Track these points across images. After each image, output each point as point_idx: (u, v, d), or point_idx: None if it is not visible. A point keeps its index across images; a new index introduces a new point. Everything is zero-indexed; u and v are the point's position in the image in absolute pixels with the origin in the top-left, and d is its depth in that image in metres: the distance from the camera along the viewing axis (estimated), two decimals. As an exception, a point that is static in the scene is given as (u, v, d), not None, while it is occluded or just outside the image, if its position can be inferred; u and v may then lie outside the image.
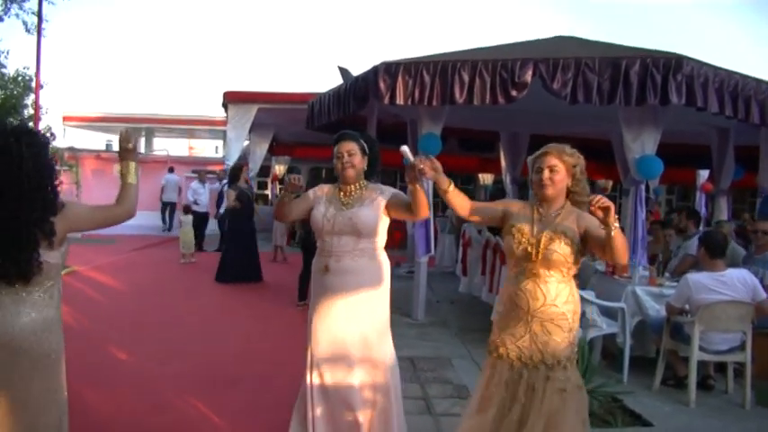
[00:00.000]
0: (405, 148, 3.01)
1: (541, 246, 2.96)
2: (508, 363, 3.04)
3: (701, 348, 4.94)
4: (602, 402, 4.53)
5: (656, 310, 5.61)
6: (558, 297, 2.97)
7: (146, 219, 18.74)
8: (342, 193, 3.46)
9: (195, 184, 14.27)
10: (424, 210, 3.28)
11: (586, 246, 3.00)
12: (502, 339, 3.08)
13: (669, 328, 5.18)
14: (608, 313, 5.71)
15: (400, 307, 7.89)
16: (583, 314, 5.41)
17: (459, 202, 3.17)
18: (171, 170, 18.72)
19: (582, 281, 6.48)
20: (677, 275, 5.97)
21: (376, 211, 3.38)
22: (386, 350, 3.43)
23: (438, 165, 3.00)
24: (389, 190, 3.48)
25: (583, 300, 5.43)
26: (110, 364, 5.29)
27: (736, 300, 4.89)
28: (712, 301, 4.87)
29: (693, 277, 5.08)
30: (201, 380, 5.02)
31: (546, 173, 3.04)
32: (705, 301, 4.90)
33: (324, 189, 3.55)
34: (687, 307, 5.12)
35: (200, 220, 13.40)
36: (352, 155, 3.43)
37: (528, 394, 2.98)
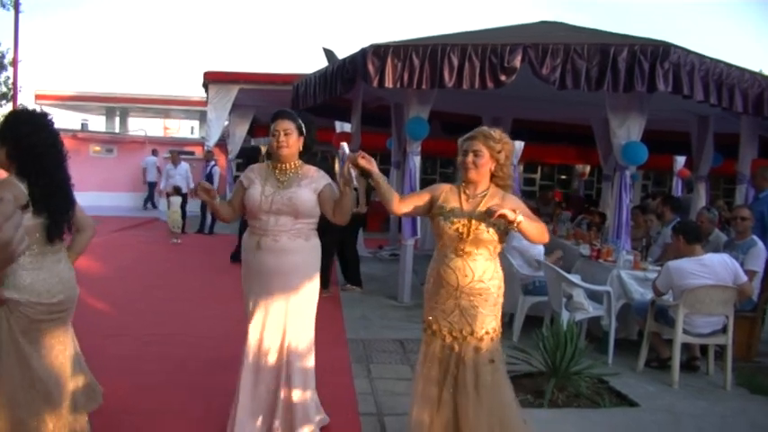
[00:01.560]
0: (344, 145, 3.16)
1: (472, 227, 3.07)
2: (441, 338, 3.17)
3: (685, 331, 5.06)
4: (589, 384, 4.64)
5: (639, 293, 5.72)
6: (484, 273, 3.11)
7: (121, 200, 18.64)
8: (277, 171, 3.49)
9: (168, 166, 14.17)
10: (344, 216, 3.43)
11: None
12: (434, 317, 3.20)
13: (653, 312, 5.30)
14: (592, 296, 5.81)
15: (386, 290, 7.97)
16: (570, 297, 5.55)
17: (389, 196, 3.30)
18: (154, 153, 18.69)
19: (568, 265, 6.59)
20: (661, 262, 6.09)
21: (314, 193, 3.45)
22: (310, 327, 3.57)
23: (372, 160, 3.14)
24: (326, 177, 3.54)
25: (570, 283, 5.57)
26: (96, 347, 5.23)
27: (719, 284, 5.02)
28: (696, 286, 4.99)
29: (674, 264, 5.18)
30: (191, 361, 5.01)
31: (470, 156, 3.15)
32: (688, 285, 5.01)
33: (255, 169, 3.57)
34: (670, 293, 5.24)
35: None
36: (288, 134, 3.45)
37: (460, 366, 3.12)
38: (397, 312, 6.99)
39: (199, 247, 11.59)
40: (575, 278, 5.74)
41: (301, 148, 3.54)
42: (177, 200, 12.31)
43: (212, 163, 13.48)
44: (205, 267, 9.49)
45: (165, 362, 4.99)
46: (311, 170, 3.54)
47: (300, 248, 3.45)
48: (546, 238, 3.17)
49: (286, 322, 3.45)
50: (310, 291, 3.53)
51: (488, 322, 3.13)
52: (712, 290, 5.00)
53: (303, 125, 3.53)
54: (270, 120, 3.54)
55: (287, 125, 3.45)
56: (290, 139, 3.44)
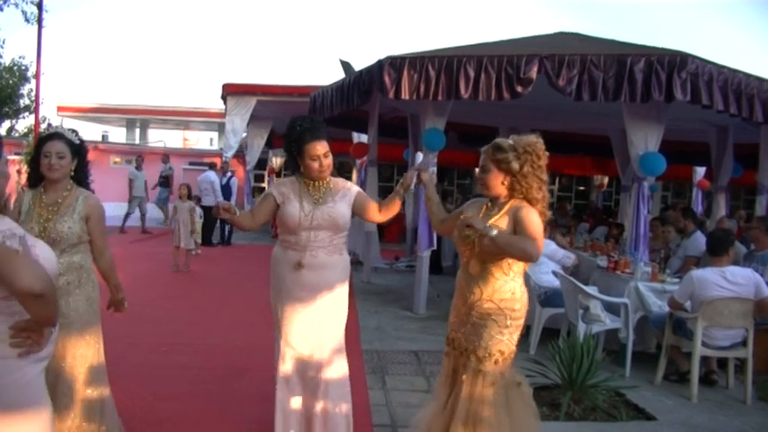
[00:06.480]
0: (419, 154, 3.21)
1: (476, 242, 2.98)
2: (453, 351, 3.15)
3: (704, 344, 4.99)
4: (606, 396, 4.59)
5: (657, 305, 5.66)
6: (495, 293, 2.99)
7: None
8: (310, 188, 3.43)
9: (214, 176, 13.43)
10: (390, 215, 3.57)
11: None
12: (451, 329, 3.20)
13: (672, 324, 5.23)
14: (610, 308, 5.76)
15: (401, 301, 7.96)
16: (587, 309, 5.50)
17: (438, 214, 3.44)
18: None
19: (585, 277, 6.54)
20: (681, 274, 6.03)
21: (349, 206, 3.44)
22: (342, 340, 3.53)
23: (434, 178, 3.47)
24: (355, 187, 3.56)
25: (586, 295, 5.53)
26: (114, 356, 5.27)
27: (739, 296, 4.95)
28: (715, 298, 4.93)
29: (698, 273, 5.13)
30: (208, 371, 5.04)
31: (479, 172, 3.09)
32: (708, 297, 4.95)
33: (287, 185, 3.50)
34: (688, 304, 5.18)
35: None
36: (327, 156, 3.37)
37: (461, 383, 3.07)
38: (413, 324, 6.98)
39: (217, 257, 11.66)
40: (592, 290, 5.70)
41: None
42: (199, 210, 12.33)
43: (229, 174, 13.54)
44: (222, 277, 9.55)
45: (182, 370, 5.02)
46: (339, 182, 3.52)
47: (337, 264, 3.42)
48: (530, 257, 2.89)
49: (323, 336, 3.40)
50: (344, 305, 3.50)
51: (494, 344, 2.99)
52: (731, 302, 4.93)
53: None
54: (295, 134, 3.37)
55: (326, 147, 3.36)
56: (330, 161, 3.39)
